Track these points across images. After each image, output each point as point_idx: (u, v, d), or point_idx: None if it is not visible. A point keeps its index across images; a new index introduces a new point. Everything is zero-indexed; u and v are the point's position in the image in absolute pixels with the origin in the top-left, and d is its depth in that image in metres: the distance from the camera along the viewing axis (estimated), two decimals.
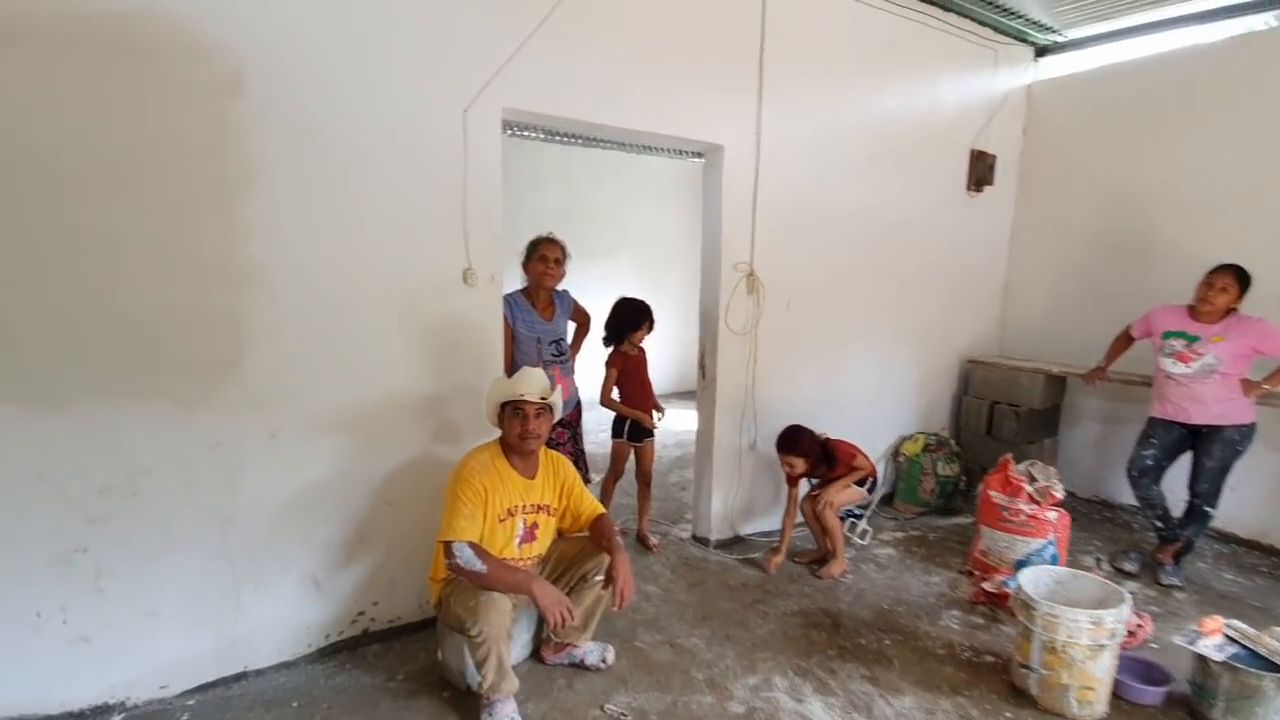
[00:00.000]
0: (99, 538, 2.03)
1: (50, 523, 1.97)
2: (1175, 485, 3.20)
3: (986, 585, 2.92)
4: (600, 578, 2.30)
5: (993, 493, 3.11)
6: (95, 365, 1.97)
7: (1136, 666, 2.34)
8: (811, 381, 3.70)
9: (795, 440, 3.13)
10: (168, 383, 2.08)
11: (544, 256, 2.82)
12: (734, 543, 3.52)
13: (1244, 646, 2.11)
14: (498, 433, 2.27)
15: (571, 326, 3.18)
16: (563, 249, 2.87)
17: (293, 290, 2.23)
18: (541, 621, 2.46)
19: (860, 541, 3.56)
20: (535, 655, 2.46)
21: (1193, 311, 3.04)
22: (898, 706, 2.24)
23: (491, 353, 2.64)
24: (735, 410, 3.40)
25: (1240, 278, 2.92)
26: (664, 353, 7.57)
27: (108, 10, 1.89)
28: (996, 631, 2.72)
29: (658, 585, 3.05)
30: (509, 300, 2.78)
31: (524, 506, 2.22)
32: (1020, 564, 2.92)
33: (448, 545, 2.04)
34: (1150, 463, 3.17)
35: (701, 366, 3.42)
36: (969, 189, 4.19)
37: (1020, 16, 3.96)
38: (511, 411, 2.16)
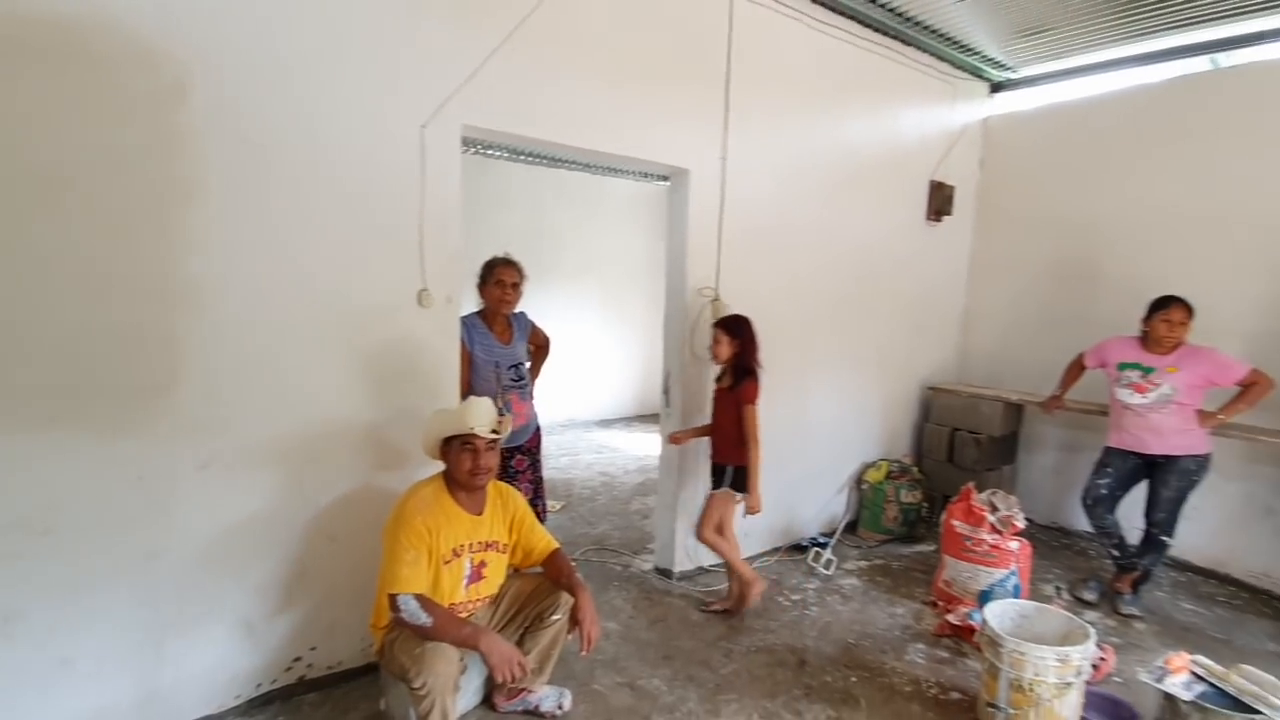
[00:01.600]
0: (6, 578, 1.82)
1: None
2: (1133, 514, 3.24)
3: (951, 617, 2.88)
4: (557, 617, 2.18)
5: (956, 522, 3.10)
6: (4, 388, 1.78)
7: (1103, 704, 2.31)
8: (776, 407, 3.64)
9: (738, 325, 2.90)
10: (91, 408, 1.90)
11: (501, 281, 2.71)
12: (698, 574, 3.41)
13: (1211, 684, 2.09)
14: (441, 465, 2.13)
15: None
16: (520, 271, 2.77)
17: (233, 310, 2.08)
18: None
19: (825, 572, 3.50)
20: (487, 701, 2.30)
21: (1144, 342, 3.10)
22: None
23: (446, 378, 2.52)
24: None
25: (1189, 309, 2.99)
26: (627, 375, 7.51)
27: (43, 11, 1.75)
28: (962, 666, 2.67)
29: (618, 622, 2.92)
30: (466, 323, 2.66)
31: (471, 545, 2.08)
32: (984, 594, 2.90)
33: (392, 598, 1.89)
34: (1105, 492, 3.21)
35: (666, 392, 3.34)
36: (929, 218, 4.26)
37: (976, 53, 4.07)
38: (460, 446, 2.01)
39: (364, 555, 2.33)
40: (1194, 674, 2.14)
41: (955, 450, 4.18)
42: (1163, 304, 3.02)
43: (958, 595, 3.03)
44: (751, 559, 3.61)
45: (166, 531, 2.05)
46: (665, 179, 3.43)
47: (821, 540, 3.80)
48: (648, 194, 7.27)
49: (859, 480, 4.15)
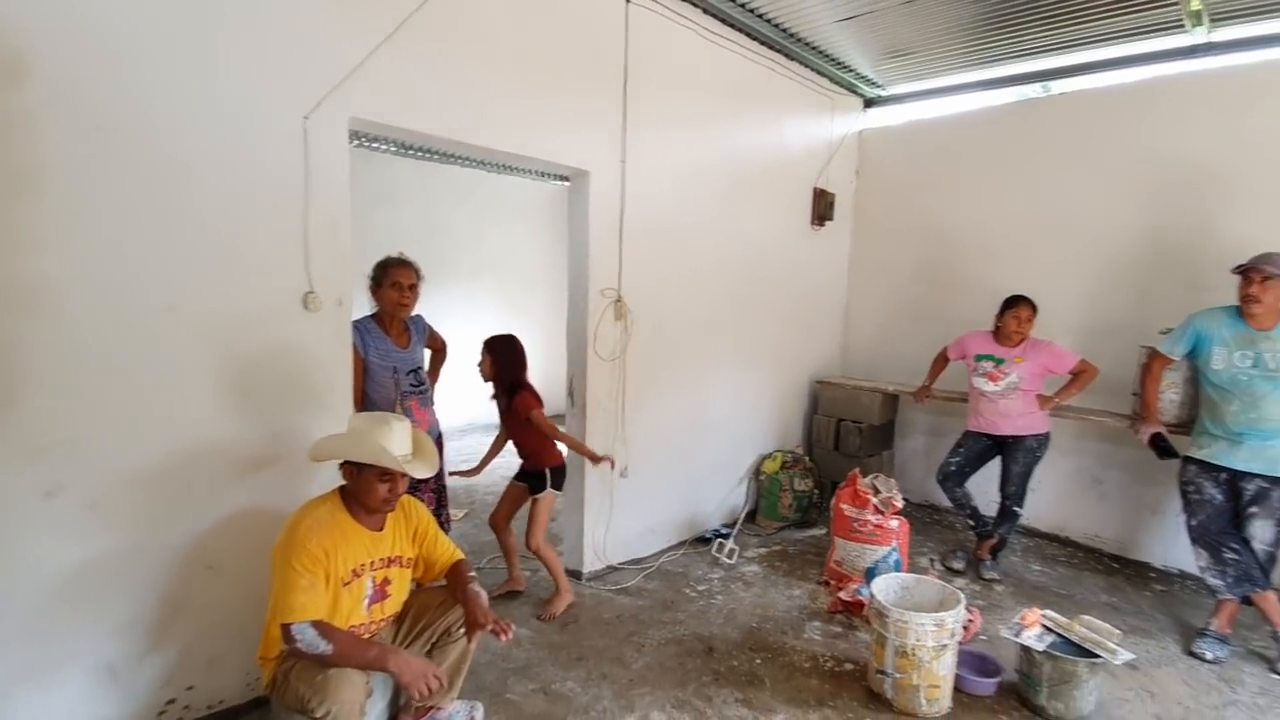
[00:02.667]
0: None
1: None
2: (990, 489, 3.64)
3: (842, 594, 3.10)
4: (465, 631, 2.11)
5: (844, 506, 3.33)
6: None
7: (972, 660, 2.59)
8: (679, 405, 3.77)
9: (497, 344, 3.00)
10: None
11: (397, 283, 2.59)
12: (607, 573, 3.44)
13: (1060, 635, 2.40)
14: (337, 481, 1.98)
15: (427, 354, 2.95)
16: (416, 272, 2.66)
17: (86, 316, 1.85)
18: (399, 686, 2.22)
19: (728, 561, 3.64)
20: None
21: (997, 336, 3.50)
22: None
23: (337, 387, 2.37)
24: (605, 437, 3.36)
25: (1034, 307, 3.41)
26: (530, 377, 7.40)
27: None
28: (854, 639, 2.88)
29: (528, 628, 2.89)
30: (359, 327, 2.52)
31: (372, 563, 1.96)
32: (870, 571, 3.14)
33: (285, 628, 1.74)
34: (954, 469, 3.59)
35: (570, 394, 3.34)
36: (813, 223, 4.55)
37: (851, 70, 4.39)
38: (377, 476, 1.87)
39: (248, 583, 2.15)
40: (1045, 627, 2.45)
41: (841, 439, 4.49)
42: (1012, 303, 3.42)
43: (848, 574, 3.27)
44: (658, 554, 3.70)
45: (8, 570, 1.79)
46: (565, 179, 3.42)
47: (724, 531, 3.95)
48: (547, 194, 7.19)
49: (757, 471, 4.35)
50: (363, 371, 2.51)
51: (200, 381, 2.06)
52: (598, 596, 3.21)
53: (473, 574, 2.16)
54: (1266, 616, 2.80)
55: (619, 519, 3.47)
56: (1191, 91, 3.61)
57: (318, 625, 1.76)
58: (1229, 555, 2.80)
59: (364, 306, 2.66)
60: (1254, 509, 2.77)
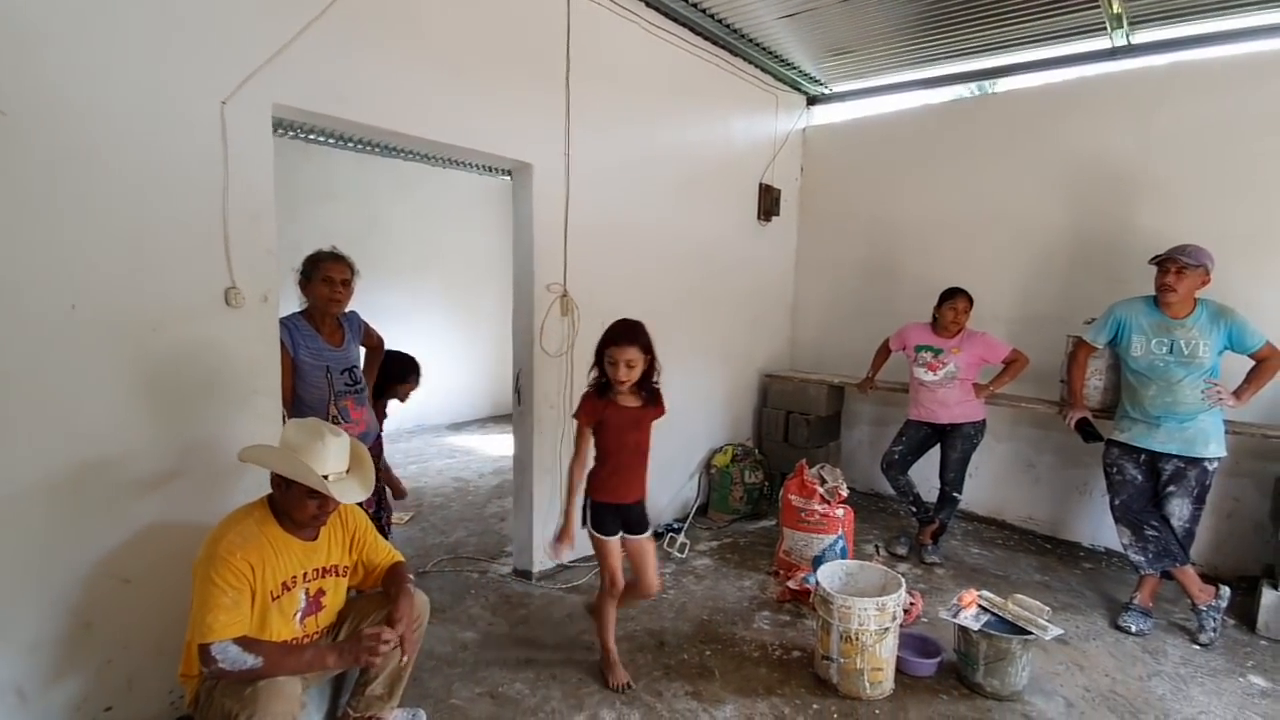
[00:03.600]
0: None
1: None
2: (932, 476, 3.75)
3: (790, 583, 3.14)
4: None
5: (792, 496, 3.38)
6: None
7: (913, 642, 2.66)
8: None
9: (636, 331, 2.36)
10: None
11: (329, 278, 2.48)
12: (558, 572, 3.40)
13: (995, 614, 2.49)
14: (263, 489, 1.88)
15: (362, 352, 2.84)
16: (350, 267, 2.56)
17: None
18: (336, 698, 2.13)
19: (680, 555, 3.65)
20: None
21: (935, 327, 3.61)
22: (719, 718, 2.29)
23: (264, 388, 2.25)
24: (553, 434, 3.31)
25: (970, 299, 3.53)
26: (479, 375, 7.27)
27: None
28: (802, 626, 2.92)
29: (475, 630, 2.83)
30: (287, 325, 2.40)
31: (305, 574, 1.86)
32: (817, 559, 3.19)
33: (204, 649, 1.62)
34: (897, 457, 3.69)
35: (517, 391, 3.28)
36: (759, 219, 4.59)
37: (794, 67, 4.45)
38: (308, 493, 1.77)
39: (168, 597, 2.03)
40: (981, 607, 2.53)
41: (790, 431, 4.56)
42: (949, 295, 3.53)
43: (796, 563, 3.31)
44: None
45: None
46: (510, 173, 3.35)
47: (675, 526, 3.96)
48: (494, 188, 7.06)
49: (708, 465, 4.38)
50: (292, 371, 2.40)
51: (108, 386, 1.93)
52: (548, 596, 3.17)
53: (411, 576, 2.10)
54: (1185, 590, 2.96)
55: None
56: (1109, 93, 3.79)
57: (242, 641, 1.67)
58: (1150, 533, 2.95)
59: (295, 303, 2.55)
60: (1171, 488, 2.93)
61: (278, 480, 1.81)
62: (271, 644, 1.74)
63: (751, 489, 4.30)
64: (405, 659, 1.96)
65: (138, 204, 1.94)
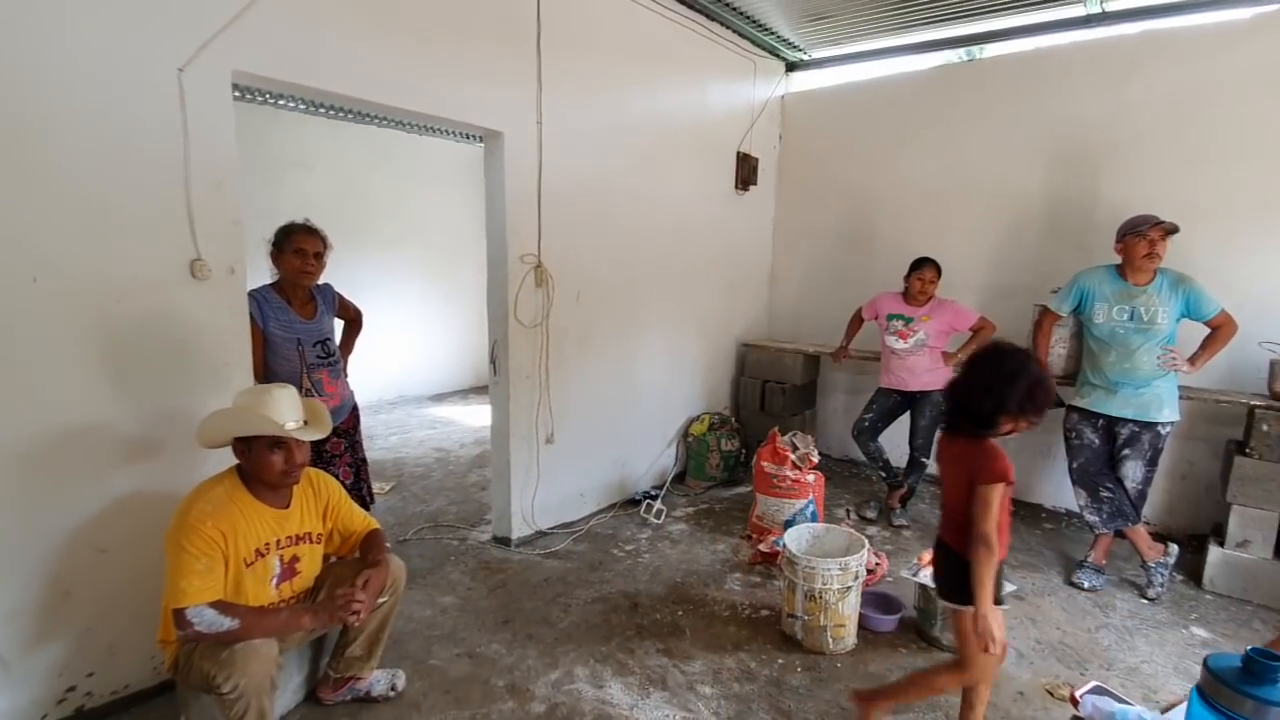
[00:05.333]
0: None
1: None
2: (902, 442, 3.85)
3: (762, 547, 3.24)
4: (383, 600, 2.10)
5: (765, 463, 3.46)
6: None
7: (876, 600, 2.77)
8: (605, 371, 3.79)
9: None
10: None
11: (301, 250, 2.46)
12: (536, 539, 3.48)
13: None
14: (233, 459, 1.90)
15: (339, 324, 2.84)
16: (323, 240, 2.54)
17: None
18: (316, 659, 2.20)
19: (656, 521, 3.74)
20: (311, 697, 2.19)
21: (905, 296, 3.66)
22: (689, 672, 2.39)
23: (234, 360, 2.25)
24: (530, 404, 3.35)
25: (939, 268, 3.58)
26: (461, 346, 7.26)
27: None
28: (771, 587, 3.03)
29: (455, 595, 2.90)
30: (256, 297, 2.39)
31: (279, 541, 1.91)
32: (788, 523, 3.29)
33: (179, 614, 1.67)
34: (867, 424, 3.78)
35: (493, 361, 3.30)
36: (737, 187, 4.59)
37: (772, 33, 4.39)
38: (268, 447, 1.81)
39: (143, 566, 2.06)
40: None
41: (766, 399, 4.63)
42: (918, 265, 3.58)
43: (768, 527, 3.41)
44: (588, 518, 3.76)
45: None
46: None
47: (653, 493, 4.04)
48: (473, 156, 6.93)
49: (685, 434, 4.45)
50: (263, 344, 2.40)
51: (74, 358, 1.93)
52: (527, 562, 3.24)
53: (388, 544, 2.15)
54: (1136, 548, 3.10)
55: (548, 485, 3.50)
56: (1083, 61, 3.79)
57: (218, 604, 1.72)
58: (1105, 494, 3.07)
59: (266, 274, 2.54)
60: (1126, 451, 3.04)
61: (240, 448, 1.84)
62: (247, 607, 1.79)
63: (728, 456, 4.38)
64: (357, 623, 1.95)
65: (98, 176, 1.92)
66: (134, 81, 1.95)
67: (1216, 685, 1.38)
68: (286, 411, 1.84)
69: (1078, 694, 1.71)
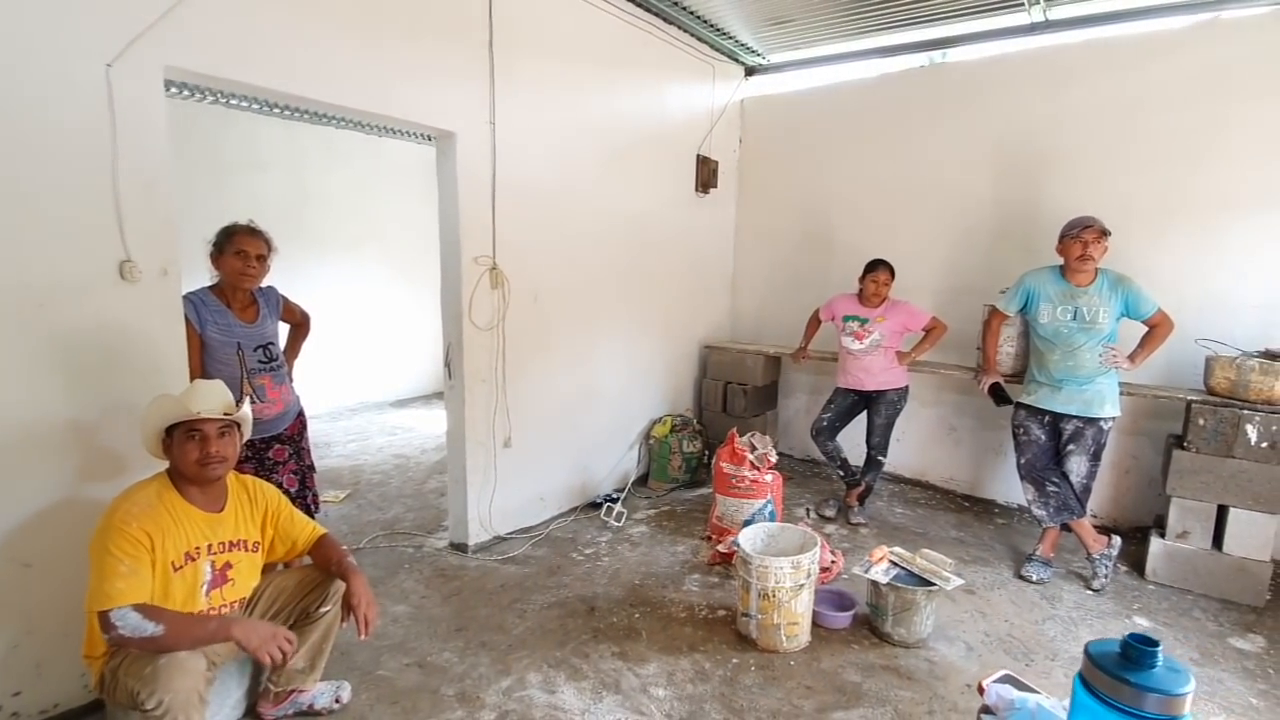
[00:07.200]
0: None
1: None
2: (859, 440, 3.90)
3: (720, 547, 3.25)
4: (326, 610, 2.06)
5: (724, 464, 3.47)
6: None
7: (830, 597, 2.80)
8: (564, 374, 3.76)
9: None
10: None
11: (243, 251, 2.39)
12: (494, 544, 3.43)
13: (903, 568, 2.63)
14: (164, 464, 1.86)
15: (284, 329, 2.77)
16: (267, 242, 2.47)
17: None
18: (257, 673, 2.13)
19: (616, 524, 3.72)
20: (251, 712, 2.12)
21: (860, 297, 3.72)
22: (643, 675, 2.38)
23: (168, 366, 2.18)
24: (486, 408, 3.31)
25: (892, 270, 3.64)
26: (422, 351, 7.15)
27: None
28: (729, 587, 3.03)
29: (408, 604, 2.84)
30: (192, 300, 2.31)
31: (210, 546, 1.85)
32: (747, 523, 3.30)
33: (103, 616, 1.61)
34: (825, 424, 3.84)
35: (448, 365, 3.26)
36: (697, 190, 4.61)
37: (731, 38, 4.43)
38: (185, 435, 1.77)
39: (70, 579, 1.97)
40: (891, 561, 2.67)
41: (728, 401, 4.66)
42: (872, 267, 3.64)
43: (728, 527, 3.42)
44: (547, 522, 3.72)
45: None
46: None
47: (614, 496, 4.02)
48: (433, 157, 6.85)
49: (647, 436, 4.45)
50: (200, 348, 2.33)
51: (3, 362, 1.85)
52: (483, 568, 3.20)
53: (345, 548, 2.10)
54: (1081, 541, 3.18)
55: (505, 489, 3.45)
56: (1029, 68, 3.90)
57: (142, 607, 1.64)
58: (1051, 489, 3.15)
59: (205, 277, 2.46)
60: (1071, 446, 3.12)
61: (166, 444, 1.81)
62: (174, 612, 1.72)
63: (690, 458, 4.39)
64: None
65: (17, 176, 1.84)
66: (58, 76, 1.88)
67: (1095, 671, 1.39)
68: (202, 400, 1.80)
69: (984, 683, 1.75)
